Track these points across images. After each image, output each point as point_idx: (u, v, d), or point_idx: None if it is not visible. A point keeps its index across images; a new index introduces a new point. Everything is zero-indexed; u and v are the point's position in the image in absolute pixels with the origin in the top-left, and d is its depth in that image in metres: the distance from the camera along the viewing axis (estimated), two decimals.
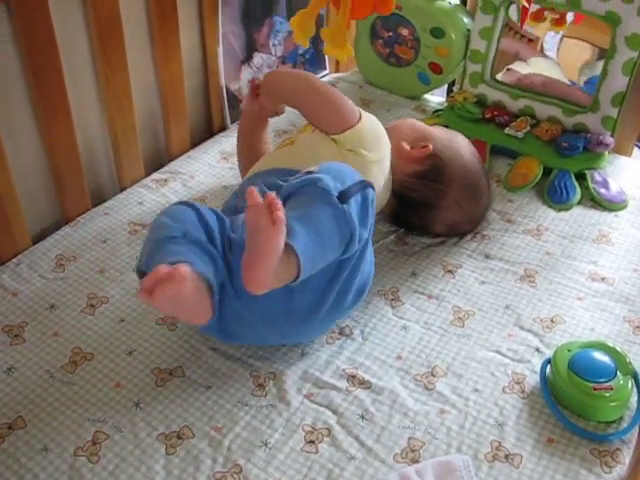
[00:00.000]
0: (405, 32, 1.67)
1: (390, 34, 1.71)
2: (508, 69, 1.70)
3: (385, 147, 1.26)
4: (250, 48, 1.62)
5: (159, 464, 0.97)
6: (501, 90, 1.60)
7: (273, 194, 0.90)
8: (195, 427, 1.02)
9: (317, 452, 0.99)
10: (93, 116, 1.39)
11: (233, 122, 1.65)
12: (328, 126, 1.23)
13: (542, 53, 1.84)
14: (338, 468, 0.97)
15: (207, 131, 1.65)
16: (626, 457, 0.98)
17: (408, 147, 1.29)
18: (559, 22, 1.51)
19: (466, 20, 1.63)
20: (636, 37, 1.39)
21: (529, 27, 1.72)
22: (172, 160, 1.56)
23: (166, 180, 1.49)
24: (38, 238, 1.34)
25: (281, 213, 0.89)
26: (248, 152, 1.42)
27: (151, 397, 1.06)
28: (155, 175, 1.51)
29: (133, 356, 1.12)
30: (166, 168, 1.53)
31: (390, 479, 0.94)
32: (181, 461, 0.98)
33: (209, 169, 1.53)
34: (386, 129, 1.32)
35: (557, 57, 1.83)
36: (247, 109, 1.40)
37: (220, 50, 1.54)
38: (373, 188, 1.06)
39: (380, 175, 1.24)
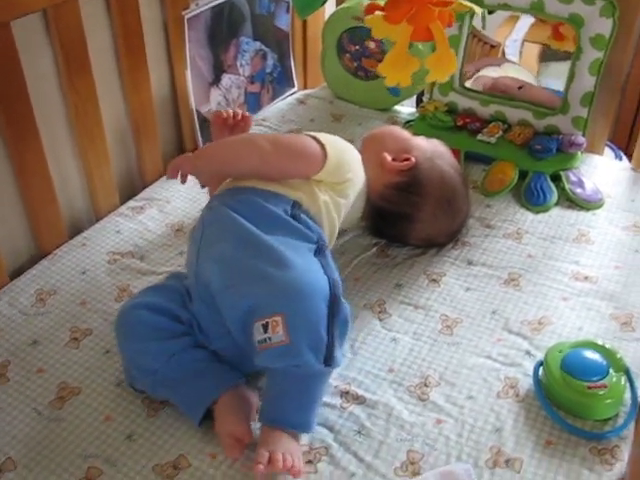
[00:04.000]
0: (372, 45, 1.68)
1: (357, 47, 1.71)
2: (477, 77, 1.72)
3: (354, 162, 1.25)
4: (218, 70, 1.62)
5: None
6: (471, 97, 1.61)
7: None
8: (191, 455, 1.00)
9: (316, 472, 0.98)
10: (65, 146, 1.38)
11: (205, 144, 1.64)
12: (302, 176, 1.20)
13: (504, 58, 1.87)
14: None
15: (179, 154, 1.62)
16: (625, 453, 0.99)
17: (390, 159, 1.28)
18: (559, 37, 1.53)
19: None
20: (600, 37, 1.42)
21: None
22: (146, 186, 1.55)
23: (142, 207, 1.48)
24: (15, 274, 1.31)
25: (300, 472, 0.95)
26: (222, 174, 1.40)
27: (143, 428, 1.04)
28: (130, 203, 1.49)
29: (122, 387, 1.10)
30: (141, 195, 1.52)
31: None
32: None
33: (185, 194, 1.51)
34: (368, 138, 1.33)
35: (519, 61, 1.87)
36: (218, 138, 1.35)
37: (189, 73, 1.53)
38: (339, 295, 1.02)
39: (353, 193, 1.24)
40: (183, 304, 1.11)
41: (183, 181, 1.19)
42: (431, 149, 1.32)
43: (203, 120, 1.62)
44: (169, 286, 1.15)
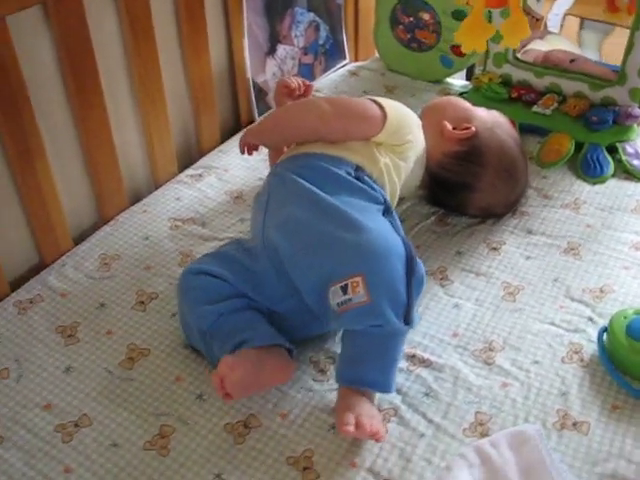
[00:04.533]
0: (426, 16, 1.68)
1: (411, 19, 1.72)
2: (526, 50, 1.71)
3: (415, 126, 1.26)
4: (273, 40, 1.63)
5: (229, 454, 0.97)
6: (526, 69, 1.60)
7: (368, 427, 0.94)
8: (261, 415, 1.02)
9: (387, 432, 0.99)
10: (128, 115, 1.40)
11: (260, 115, 1.65)
12: (362, 137, 1.21)
13: (546, 31, 1.86)
14: (410, 446, 0.98)
15: (235, 125, 1.65)
16: None
17: (450, 127, 1.29)
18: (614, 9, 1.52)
19: None
20: None
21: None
22: (203, 155, 1.56)
23: (200, 175, 1.49)
24: (79, 239, 1.34)
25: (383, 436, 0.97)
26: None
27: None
28: (189, 171, 1.51)
29: (190, 349, 1.12)
30: (199, 163, 1.54)
31: (465, 453, 0.95)
32: (250, 449, 0.98)
33: (242, 162, 1.53)
34: (429, 107, 1.34)
35: (560, 33, 1.85)
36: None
37: (246, 42, 1.54)
38: (413, 254, 1.02)
39: (413, 155, 1.25)
40: (240, 270, 1.11)
41: (250, 154, 1.26)
42: (491, 119, 1.32)
43: (259, 90, 1.63)
44: (227, 253, 1.16)
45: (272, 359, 1.02)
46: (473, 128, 1.28)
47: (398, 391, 1.05)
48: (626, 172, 1.46)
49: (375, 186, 1.16)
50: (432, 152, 1.28)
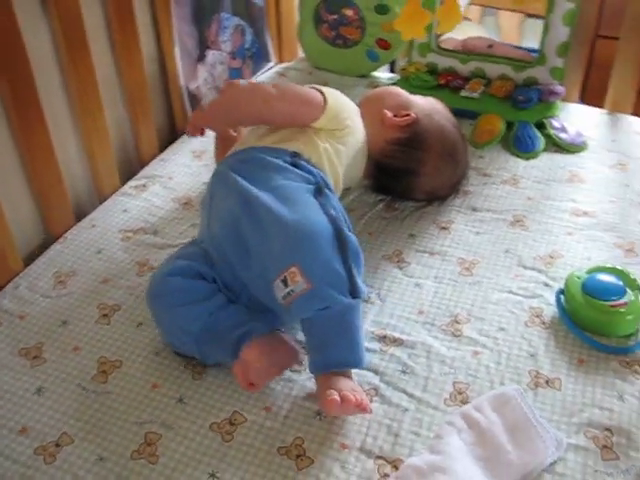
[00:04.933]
0: (350, 13, 1.72)
1: (335, 17, 1.75)
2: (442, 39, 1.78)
3: (353, 113, 1.29)
4: (202, 46, 1.63)
5: (220, 452, 0.97)
6: (450, 56, 1.67)
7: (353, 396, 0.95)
8: (245, 411, 1.03)
9: (371, 411, 1.01)
10: (68, 130, 1.37)
11: None
12: (303, 121, 1.24)
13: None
14: (395, 422, 1.00)
15: (171, 133, 1.65)
16: None
17: (391, 115, 1.32)
18: None
19: None
20: None
21: None
22: (144, 165, 1.54)
23: (144, 185, 1.48)
24: (28, 260, 1.30)
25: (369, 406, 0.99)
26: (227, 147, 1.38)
27: (192, 391, 1.06)
28: (132, 182, 1.49)
29: (162, 356, 1.11)
30: (141, 173, 1.52)
31: (452, 420, 0.98)
32: (240, 445, 0.98)
33: (185, 169, 1.53)
34: (367, 97, 1.37)
35: (499, 32, 1.93)
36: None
37: (177, 51, 1.54)
38: (341, 228, 1.05)
39: (353, 141, 1.27)
40: (209, 265, 1.12)
41: (202, 134, 1.30)
42: (429, 106, 1.36)
43: (192, 97, 1.63)
44: (192, 251, 1.16)
45: (281, 342, 1.04)
46: (413, 114, 1.32)
47: (375, 371, 1.07)
48: (556, 145, 1.54)
49: (312, 169, 1.18)
50: (375, 141, 1.31)
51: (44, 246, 1.34)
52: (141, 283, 1.24)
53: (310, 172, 1.17)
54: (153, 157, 1.56)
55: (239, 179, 1.14)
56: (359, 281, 1.02)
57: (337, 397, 0.95)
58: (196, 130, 1.33)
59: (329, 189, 1.17)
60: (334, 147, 1.24)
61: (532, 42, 1.62)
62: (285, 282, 0.99)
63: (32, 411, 1.04)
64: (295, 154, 1.19)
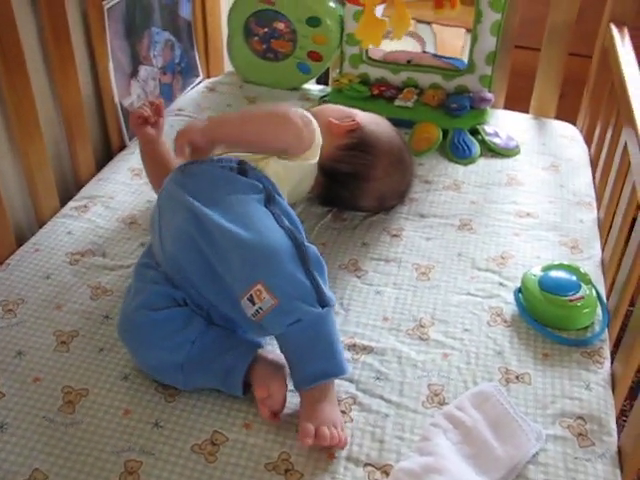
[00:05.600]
0: (281, 26, 1.72)
1: (266, 30, 1.75)
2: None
3: (317, 133, 1.29)
4: (135, 61, 1.59)
5: (205, 474, 0.95)
6: (381, 67, 1.70)
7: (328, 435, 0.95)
8: (225, 430, 1.01)
9: (352, 420, 1.02)
10: (5, 151, 1.31)
11: (131, 139, 1.61)
12: (290, 154, 1.23)
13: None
14: (378, 428, 1.01)
15: (106, 151, 1.59)
16: (607, 351, 1.13)
17: (337, 121, 1.34)
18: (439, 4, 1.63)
19: (335, 6, 1.71)
20: (498, 1, 1.56)
21: None
22: (81, 186, 1.49)
23: (85, 206, 1.42)
24: None
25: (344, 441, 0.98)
26: (157, 168, 1.35)
27: (167, 414, 1.03)
28: (71, 203, 1.43)
29: (130, 380, 1.08)
30: (80, 194, 1.46)
31: (437, 421, 1.00)
32: (225, 465, 0.96)
33: (126, 187, 1.48)
34: (312, 113, 1.37)
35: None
36: (144, 137, 1.33)
37: (111, 66, 1.50)
38: (300, 240, 1.05)
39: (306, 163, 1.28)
40: (174, 287, 1.10)
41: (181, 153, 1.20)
42: (370, 116, 1.40)
43: (127, 113, 1.58)
44: (152, 275, 1.12)
45: (271, 360, 1.04)
46: (358, 119, 1.35)
47: (350, 380, 1.08)
48: (491, 150, 1.60)
49: (260, 175, 1.17)
50: (324, 149, 1.31)
51: None
52: (97, 307, 1.19)
53: (258, 179, 1.16)
54: (90, 176, 1.51)
55: (186, 195, 1.11)
56: (326, 289, 1.03)
57: (310, 440, 0.95)
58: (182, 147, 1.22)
59: (278, 194, 1.16)
60: (283, 163, 1.23)
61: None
62: (252, 300, 0.99)
63: None
64: (241, 162, 1.18)
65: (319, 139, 1.26)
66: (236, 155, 1.21)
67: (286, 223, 1.08)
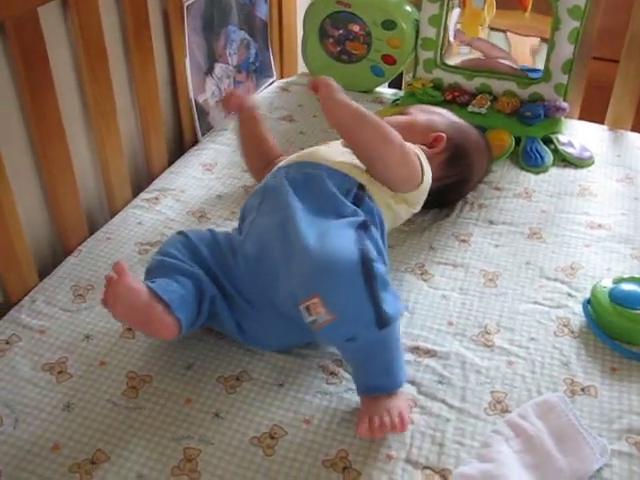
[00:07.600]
0: (356, 28, 1.73)
1: (340, 31, 1.76)
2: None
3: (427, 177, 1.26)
4: (211, 59, 1.62)
5: (263, 467, 0.95)
6: (455, 72, 1.70)
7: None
8: (284, 424, 1.01)
9: (413, 422, 1.01)
10: (82, 141, 1.35)
11: (204, 134, 1.64)
12: (395, 186, 1.21)
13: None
14: (438, 432, 1.00)
15: (179, 146, 1.63)
16: None
17: (426, 147, 1.31)
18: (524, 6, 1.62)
19: (411, 10, 1.72)
20: (577, 8, 1.53)
21: None
22: (152, 178, 1.52)
23: (157, 198, 1.45)
24: (42, 273, 1.26)
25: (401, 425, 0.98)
26: (257, 151, 1.40)
27: (228, 405, 1.04)
28: (143, 195, 1.47)
29: (193, 370, 1.09)
30: (152, 187, 1.50)
31: (499, 428, 0.98)
32: (283, 459, 0.96)
33: (197, 182, 1.51)
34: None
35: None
36: (244, 111, 1.39)
37: (188, 62, 1.52)
38: (370, 257, 0.99)
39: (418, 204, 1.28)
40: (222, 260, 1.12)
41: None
42: (438, 116, 1.39)
43: (200, 109, 1.61)
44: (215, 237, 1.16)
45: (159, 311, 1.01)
46: (442, 134, 1.33)
47: (412, 382, 1.07)
48: (564, 160, 1.57)
49: (373, 207, 1.16)
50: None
51: (57, 258, 1.31)
52: None
53: (370, 210, 1.15)
54: (162, 169, 1.54)
55: (291, 197, 1.11)
56: (390, 307, 0.97)
57: (366, 425, 0.95)
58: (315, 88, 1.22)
59: (380, 229, 1.15)
60: (398, 206, 1.23)
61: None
62: (308, 311, 0.97)
63: (63, 428, 1.00)
64: (361, 186, 1.17)
65: (428, 182, 1.25)
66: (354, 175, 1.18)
67: (365, 242, 1.02)
